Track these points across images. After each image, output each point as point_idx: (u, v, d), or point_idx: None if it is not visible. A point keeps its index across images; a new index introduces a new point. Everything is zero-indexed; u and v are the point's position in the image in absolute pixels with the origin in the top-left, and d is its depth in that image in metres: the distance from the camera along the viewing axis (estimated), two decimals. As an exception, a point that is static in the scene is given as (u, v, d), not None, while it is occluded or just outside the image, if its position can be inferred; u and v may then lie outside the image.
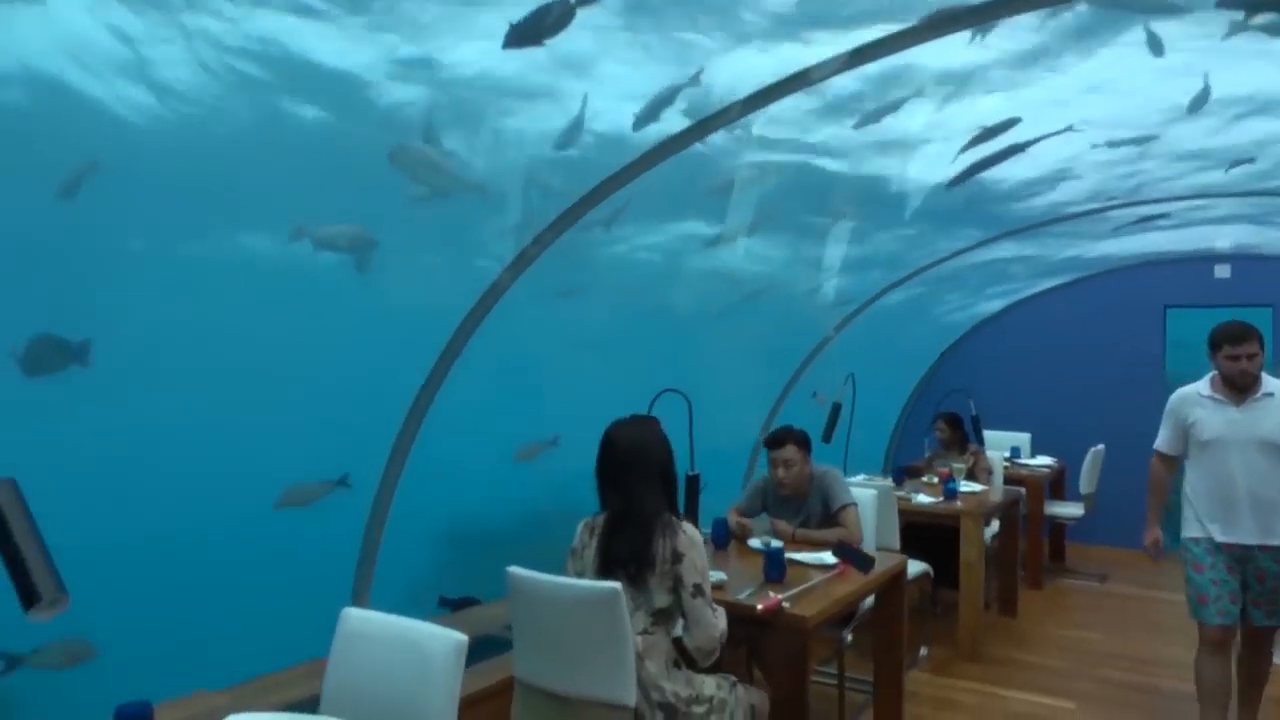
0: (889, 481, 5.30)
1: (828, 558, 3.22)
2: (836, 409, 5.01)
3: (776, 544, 3.46)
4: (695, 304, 4.99)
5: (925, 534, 4.68)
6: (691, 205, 4.20)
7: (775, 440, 3.67)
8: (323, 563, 3.66)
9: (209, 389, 3.20)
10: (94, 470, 2.79)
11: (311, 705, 2.63)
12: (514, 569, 2.47)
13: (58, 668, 2.83)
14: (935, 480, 5.32)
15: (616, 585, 2.30)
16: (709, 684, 2.50)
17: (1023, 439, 7.04)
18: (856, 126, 3.52)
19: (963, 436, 5.83)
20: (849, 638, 3.58)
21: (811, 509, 3.70)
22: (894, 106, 3.19)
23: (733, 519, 3.65)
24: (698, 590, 2.44)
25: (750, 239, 4.65)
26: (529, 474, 4.70)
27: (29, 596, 1.56)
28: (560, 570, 2.51)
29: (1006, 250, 5.89)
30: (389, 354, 3.50)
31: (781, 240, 4.93)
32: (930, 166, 3.91)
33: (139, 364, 2.96)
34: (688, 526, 2.50)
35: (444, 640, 1.91)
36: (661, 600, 2.45)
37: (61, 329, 2.74)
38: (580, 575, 2.53)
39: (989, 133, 3.41)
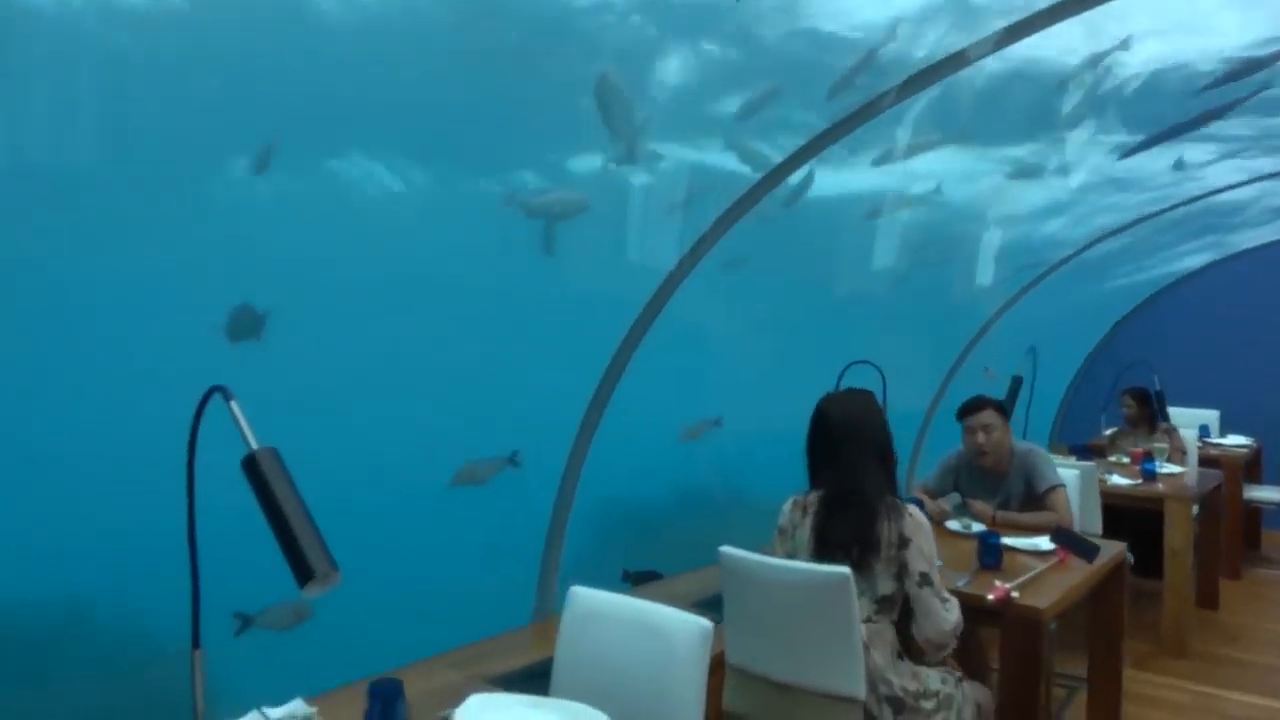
0: (1072, 459, 4.93)
1: (1043, 543, 2.98)
2: (1017, 383, 4.69)
3: (979, 527, 3.24)
4: (862, 275, 4.75)
5: (1120, 518, 4.31)
6: (863, 161, 3.94)
7: (971, 407, 3.44)
8: (505, 538, 3.69)
9: (390, 370, 3.25)
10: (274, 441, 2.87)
11: (520, 677, 2.65)
12: (727, 549, 2.38)
13: (282, 628, 2.92)
14: (1125, 460, 4.92)
15: (846, 570, 2.17)
16: (934, 678, 2.33)
17: (1210, 416, 6.43)
18: (1064, 83, 3.20)
19: (1151, 414, 5.37)
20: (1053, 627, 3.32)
21: (1012, 489, 3.44)
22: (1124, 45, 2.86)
23: (928, 502, 3.44)
24: (925, 579, 2.27)
25: (925, 203, 4.37)
26: (693, 454, 4.63)
27: (303, 572, 1.54)
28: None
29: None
30: (574, 336, 3.46)
31: (961, 199, 4.60)
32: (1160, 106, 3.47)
33: (317, 338, 3.03)
34: (913, 509, 2.33)
35: (689, 626, 1.83)
36: (886, 587, 2.30)
37: (252, 300, 2.83)
38: (791, 557, 2.41)
39: (1249, 66, 2.98)
